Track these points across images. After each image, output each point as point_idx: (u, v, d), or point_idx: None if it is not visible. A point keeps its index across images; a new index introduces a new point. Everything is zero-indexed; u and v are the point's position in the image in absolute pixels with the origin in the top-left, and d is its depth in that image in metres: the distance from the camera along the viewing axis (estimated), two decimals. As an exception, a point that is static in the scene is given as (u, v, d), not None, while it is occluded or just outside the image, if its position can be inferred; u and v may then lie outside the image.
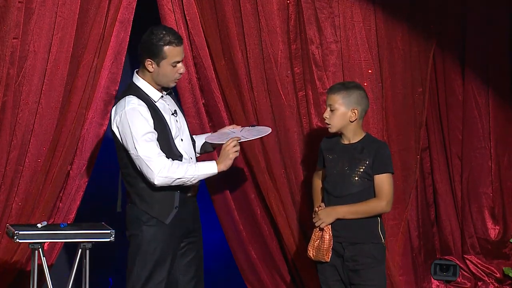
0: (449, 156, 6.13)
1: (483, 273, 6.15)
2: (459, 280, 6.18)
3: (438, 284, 6.19)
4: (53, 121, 5.24)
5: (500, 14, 6.04)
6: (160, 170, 4.52)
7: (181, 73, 4.68)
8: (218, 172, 4.66)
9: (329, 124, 4.83)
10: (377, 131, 5.68)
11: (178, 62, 4.63)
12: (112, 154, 5.83)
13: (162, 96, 4.69)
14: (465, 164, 6.11)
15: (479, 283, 6.16)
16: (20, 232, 4.53)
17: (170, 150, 4.63)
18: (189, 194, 4.71)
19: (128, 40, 5.36)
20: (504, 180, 6.11)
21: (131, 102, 4.58)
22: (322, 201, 4.92)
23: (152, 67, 4.62)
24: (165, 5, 5.41)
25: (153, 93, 4.66)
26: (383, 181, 4.77)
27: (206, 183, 5.62)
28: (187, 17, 5.44)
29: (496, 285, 6.14)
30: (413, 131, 5.86)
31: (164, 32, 4.61)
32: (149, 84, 4.66)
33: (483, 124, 6.07)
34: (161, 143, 4.60)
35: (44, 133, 5.23)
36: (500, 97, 6.06)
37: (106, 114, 5.35)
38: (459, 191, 6.14)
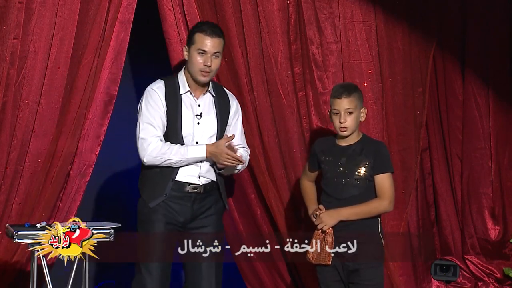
0: (449, 156, 6.13)
1: (483, 273, 6.15)
2: (459, 281, 6.18)
3: (438, 284, 6.19)
4: (53, 121, 5.23)
5: (500, 15, 6.04)
6: (152, 150, 4.68)
7: (207, 65, 4.74)
8: (206, 157, 4.73)
9: (347, 128, 4.80)
10: (377, 131, 5.68)
11: (204, 51, 4.72)
12: (112, 154, 5.84)
13: (189, 92, 4.78)
14: (465, 164, 6.11)
15: (479, 283, 6.16)
16: (19, 232, 4.52)
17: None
18: (187, 190, 4.76)
19: (128, 40, 5.35)
20: (504, 180, 6.11)
21: (153, 83, 4.82)
22: (318, 202, 4.90)
23: (186, 53, 4.81)
24: (165, 5, 5.41)
25: (183, 86, 4.79)
26: (385, 181, 4.76)
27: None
28: (187, 17, 5.44)
29: (496, 285, 6.14)
30: (413, 131, 5.86)
31: (202, 23, 4.89)
32: (184, 76, 4.82)
33: (483, 124, 6.07)
34: (169, 133, 4.75)
35: (44, 133, 5.22)
36: (500, 97, 6.06)
37: (106, 114, 5.35)
38: (459, 191, 6.14)
